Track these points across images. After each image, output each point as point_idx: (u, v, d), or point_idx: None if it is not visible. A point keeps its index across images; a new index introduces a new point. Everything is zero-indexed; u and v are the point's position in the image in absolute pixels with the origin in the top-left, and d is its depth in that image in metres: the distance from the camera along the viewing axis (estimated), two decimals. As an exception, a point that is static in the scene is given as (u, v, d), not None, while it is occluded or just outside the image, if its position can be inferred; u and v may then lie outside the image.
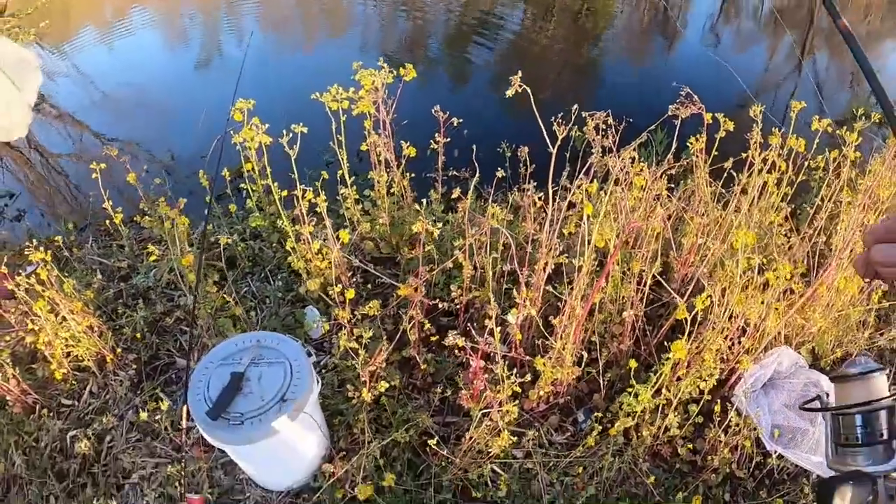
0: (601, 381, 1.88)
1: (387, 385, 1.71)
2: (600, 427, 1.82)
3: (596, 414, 1.82)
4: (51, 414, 2.30)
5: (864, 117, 2.39)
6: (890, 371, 2.40)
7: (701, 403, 1.88)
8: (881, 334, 2.54)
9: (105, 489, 2.18)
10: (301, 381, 1.68)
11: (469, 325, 2.01)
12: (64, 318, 2.27)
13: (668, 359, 1.69)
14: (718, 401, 1.95)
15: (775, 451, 2.02)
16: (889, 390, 0.77)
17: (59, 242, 2.68)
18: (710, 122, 2.13)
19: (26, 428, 2.29)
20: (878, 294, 2.37)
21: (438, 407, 1.85)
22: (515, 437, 1.74)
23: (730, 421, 1.90)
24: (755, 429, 1.93)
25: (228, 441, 1.68)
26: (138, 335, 2.34)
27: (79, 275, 2.65)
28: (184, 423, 1.90)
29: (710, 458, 1.91)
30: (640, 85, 4.35)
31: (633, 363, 1.78)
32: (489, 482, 1.74)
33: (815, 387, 2.21)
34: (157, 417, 2.13)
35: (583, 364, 1.83)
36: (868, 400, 0.75)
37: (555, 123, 1.68)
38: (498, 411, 1.68)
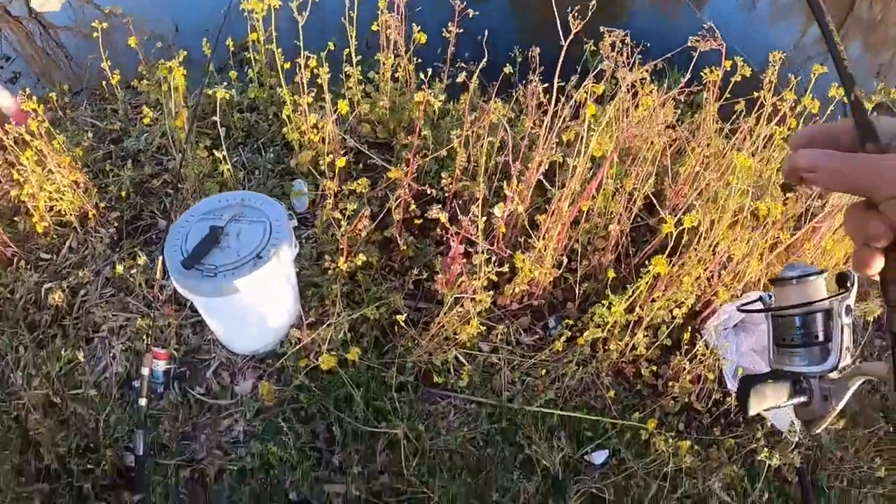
0: (577, 291, 1.89)
1: (364, 259, 1.70)
2: (569, 334, 1.83)
3: (567, 321, 1.84)
4: (28, 267, 2.30)
5: (882, 91, 2.35)
6: (862, 341, 2.43)
7: (671, 328, 1.90)
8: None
9: (74, 341, 2.19)
10: (279, 240, 1.67)
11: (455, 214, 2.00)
12: (50, 172, 2.25)
13: (647, 272, 1.69)
14: (689, 329, 1.97)
15: (735, 391, 2.06)
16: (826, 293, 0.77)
17: (53, 100, 2.62)
18: (729, 68, 2.09)
19: (2, 279, 2.29)
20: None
21: (412, 291, 1.86)
22: (484, 328, 1.75)
23: (696, 351, 1.93)
24: (719, 360, 1.96)
25: (199, 292, 1.68)
26: (123, 194, 2.32)
27: (70, 134, 2.61)
28: (158, 276, 1.90)
29: (671, 384, 1.94)
30: (666, 33, 4.25)
31: (611, 273, 1.79)
32: (452, 370, 1.76)
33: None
34: (132, 272, 2.13)
35: (562, 268, 1.83)
36: (805, 302, 0.75)
37: (570, 16, 1.64)
38: (471, 299, 1.69)
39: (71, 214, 2.31)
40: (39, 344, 2.21)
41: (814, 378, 0.74)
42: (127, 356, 2.15)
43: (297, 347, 1.81)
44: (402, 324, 1.70)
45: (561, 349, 1.81)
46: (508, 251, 1.78)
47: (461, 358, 1.76)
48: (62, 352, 2.14)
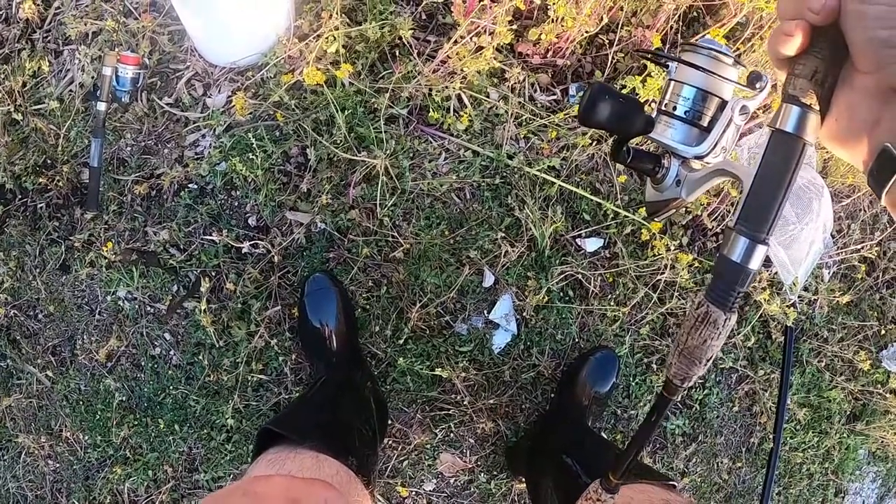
0: (608, 61, 1.64)
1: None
2: (590, 106, 1.60)
3: (591, 89, 1.60)
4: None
5: None
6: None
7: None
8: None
9: (42, 54, 1.97)
10: None
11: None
12: None
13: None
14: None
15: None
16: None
17: None
18: None
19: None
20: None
21: (424, 23, 1.60)
22: (497, 67, 1.51)
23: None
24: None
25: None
26: None
27: None
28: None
29: (687, 192, 1.74)
30: None
31: (656, 40, 1.53)
32: (452, 109, 1.54)
33: (813, 187, 2.04)
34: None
35: (598, 28, 1.57)
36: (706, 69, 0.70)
37: None
38: (489, 32, 1.44)
39: None
40: (6, 60, 1.98)
41: (676, 159, 0.73)
42: (95, 67, 1.92)
43: (280, 58, 1.57)
44: (408, 40, 1.46)
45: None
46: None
47: (465, 98, 1.54)
48: (27, 63, 1.92)
